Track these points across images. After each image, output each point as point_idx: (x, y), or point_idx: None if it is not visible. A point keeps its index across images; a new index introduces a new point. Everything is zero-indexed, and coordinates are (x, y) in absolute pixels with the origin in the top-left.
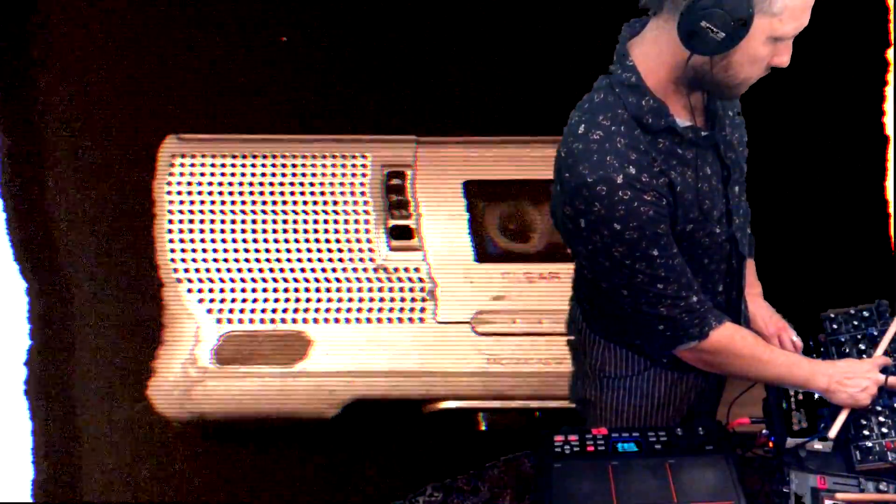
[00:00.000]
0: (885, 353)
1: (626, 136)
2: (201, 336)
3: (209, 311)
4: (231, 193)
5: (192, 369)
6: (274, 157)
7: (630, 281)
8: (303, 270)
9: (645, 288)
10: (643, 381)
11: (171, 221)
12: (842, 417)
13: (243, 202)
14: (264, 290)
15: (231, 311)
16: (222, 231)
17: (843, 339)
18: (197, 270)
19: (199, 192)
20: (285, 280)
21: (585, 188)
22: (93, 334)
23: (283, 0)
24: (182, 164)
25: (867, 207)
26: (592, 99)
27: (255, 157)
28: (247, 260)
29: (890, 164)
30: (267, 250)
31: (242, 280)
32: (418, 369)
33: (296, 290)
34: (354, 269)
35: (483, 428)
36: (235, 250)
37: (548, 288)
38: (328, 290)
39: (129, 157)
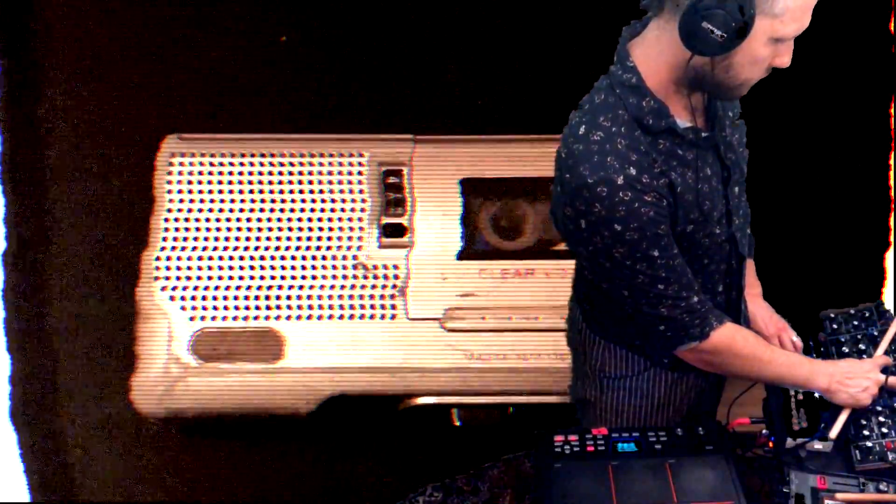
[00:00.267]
0: (886, 353)
1: (626, 137)
2: (175, 333)
3: (182, 308)
4: (231, 192)
5: (173, 366)
6: (272, 155)
7: (631, 282)
8: (293, 268)
9: (645, 288)
10: (643, 382)
11: (167, 220)
12: (843, 418)
13: (242, 200)
14: (248, 287)
15: (215, 308)
16: (217, 230)
17: (843, 339)
18: (189, 269)
19: (199, 192)
20: (272, 278)
21: (586, 189)
22: (78, 333)
23: (281, 0)
24: (181, 164)
25: (867, 207)
26: (593, 100)
27: (253, 155)
28: (241, 258)
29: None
30: (266, 248)
31: (230, 278)
32: (396, 365)
33: (279, 287)
34: (344, 267)
35: (457, 424)
36: (236, 248)
37: (536, 284)
38: (311, 287)
39: (130, 156)
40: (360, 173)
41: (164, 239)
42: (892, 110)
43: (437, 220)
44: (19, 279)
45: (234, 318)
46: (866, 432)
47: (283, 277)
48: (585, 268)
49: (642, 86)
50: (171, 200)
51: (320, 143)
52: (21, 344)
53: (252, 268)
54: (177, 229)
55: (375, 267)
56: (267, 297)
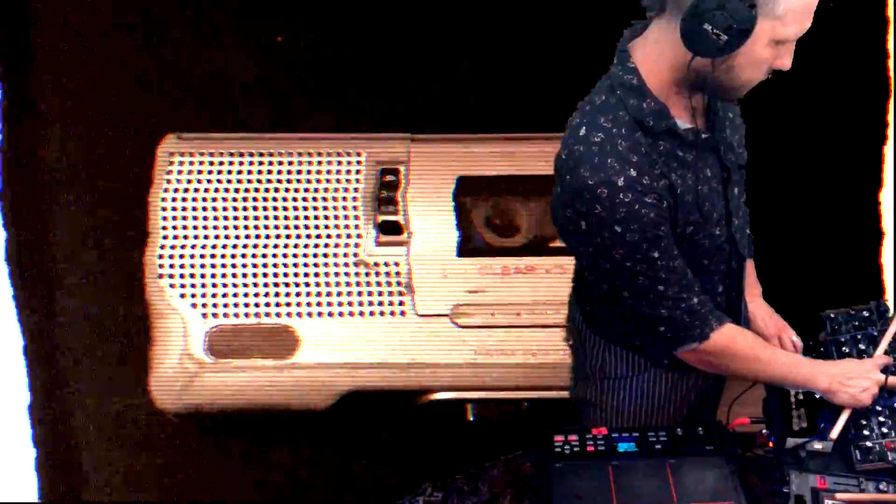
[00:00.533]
0: (886, 353)
1: (627, 139)
2: (189, 331)
3: (193, 305)
4: (227, 191)
5: (189, 363)
6: (270, 154)
7: (631, 283)
8: (295, 265)
9: (646, 289)
10: (643, 382)
11: (164, 219)
12: (843, 418)
13: (243, 199)
14: (255, 284)
15: (225, 305)
16: (215, 227)
17: (843, 339)
18: (192, 266)
19: (196, 190)
20: (275, 275)
21: (586, 191)
22: (87, 332)
23: (279, 0)
24: (181, 163)
25: (867, 207)
26: (594, 100)
27: (252, 155)
28: (244, 255)
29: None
30: (265, 246)
31: (233, 276)
32: (408, 361)
33: (286, 284)
34: (346, 265)
35: (471, 419)
36: (234, 246)
37: (537, 280)
38: (318, 284)
39: (129, 156)
40: (357, 172)
41: (166, 237)
42: (890, 106)
43: (434, 217)
44: (26, 280)
45: (247, 315)
46: (866, 432)
47: (286, 275)
48: (586, 269)
49: (643, 87)
50: (173, 199)
51: (317, 142)
52: (33, 346)
53: (255, 266)
54: (175, 227)
55: (377, 264)
56: (277, 295)
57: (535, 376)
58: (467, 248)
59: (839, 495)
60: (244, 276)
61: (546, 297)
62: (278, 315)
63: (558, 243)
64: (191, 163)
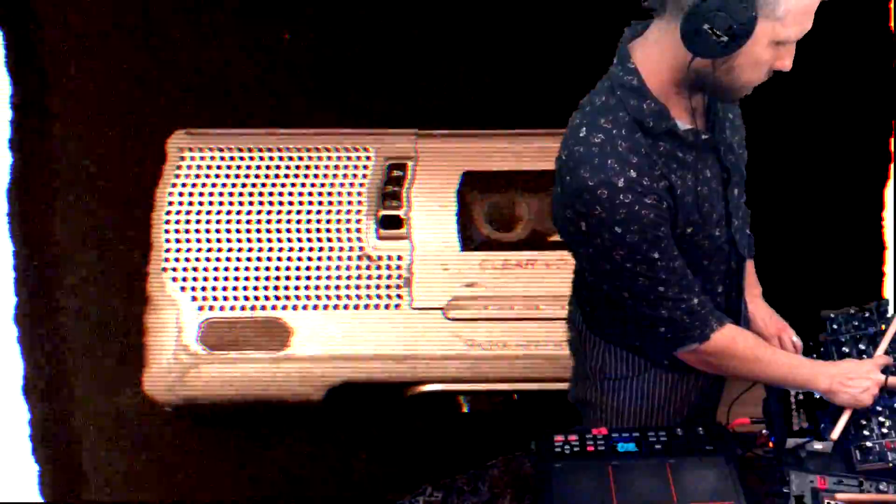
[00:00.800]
0: (886, 353)
1: (627, 140)
2: (185, 323)
3: (193, 298)
4: (235, 186)
5: (183, 355)
6: (279, 150)
7: (631, 283)
8: (299, 259)
9: (646, 290)
10: (643, 383)
11: (168, 213)
12: (844, 418)
13: (250, 194)
14: (257, 277)
15: (224, 298)
16: (228, 222)
17: (843, 339)
18: (195, 259)
19: (204, 185)
20: (277, 269)
21: (586, 192)
22: (87, 332)
23: None
24: (191, 158)
25: (867, 207)
26: (594, 101)
27: (259, 150)
28: (250, 250)
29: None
30: (270, 240)
31: (236, 269)
32: (401, 353)
33: (287, 277)
34: (349, 258)
35: (465, 410)
36: (238, 240)
37: (537, 274)
38: (317, 277)
39: (139, 151)
40: (365, 167)
41: (174, 231)
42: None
43: (437, 212)
44: (29, 275)
45: (242, 308)
46: (866, 432)
47: (288, 268)
48: (586, 269)
49: (643, 87)
50: (180, 194)
51: (325, 137)
52: (31, 341)
53: (259, 259)
54: (179, 222)
55: (380, 258)
56: (275, 288)
57: (527, 368)
58: (469, 242)
59: (839, 495)
60: (247, 269)
61: (542, 290)
62: (274, 308)
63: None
64: (199, 157)
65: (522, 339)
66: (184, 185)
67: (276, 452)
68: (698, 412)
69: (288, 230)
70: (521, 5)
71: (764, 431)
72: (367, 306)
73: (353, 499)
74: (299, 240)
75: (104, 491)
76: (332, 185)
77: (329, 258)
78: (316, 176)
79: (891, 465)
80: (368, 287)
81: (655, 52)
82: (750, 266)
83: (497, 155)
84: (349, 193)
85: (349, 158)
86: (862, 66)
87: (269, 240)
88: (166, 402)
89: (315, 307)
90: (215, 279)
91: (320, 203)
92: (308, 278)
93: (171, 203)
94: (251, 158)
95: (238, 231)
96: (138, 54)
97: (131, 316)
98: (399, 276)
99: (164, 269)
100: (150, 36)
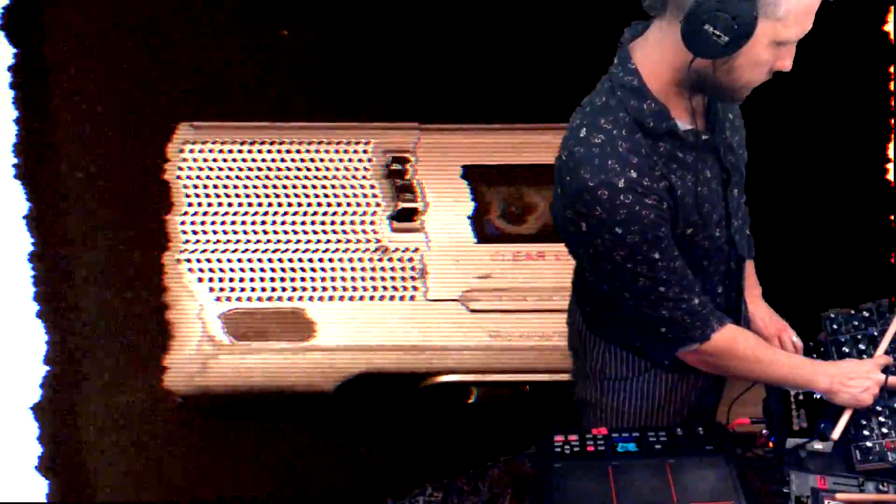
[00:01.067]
0: (886, 353)
1: (627, 140)
2: (205, 315)
3: (211, 290)
4: (238, 178)
5: (207, 345)
6: (281, 143)
7: (632, 284)
8: (307, 251)
9: (646, 291)
10: (644, 383)
11: (181, 206)
12: (844, 418)
13: (255, 186)
14: (272, 269)
15: (240, 289)
16: (235, 213)
17: (843, 339)
18: (204, 251)
19: (209, 178)
20: (290, 261)
21: (587, 192)
22: (103, 320)
23: None
24: (193, 151)
25: (867, 207)
26: (594, 101)
27: (263, 143)
28: (258, 241)
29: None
30: (275, 232)
31: (249, 261)
32: (418, 344)
33: (302, 269)
34: (356, 251)
35: (472, 401)
36: (245, 232)
37: (548, 266)
38: (331, 269)
39: (144, 145)
40: (368, 160)
41: (184, 223)
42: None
43: (446, 205)
44: (45, 270)
45: (259, 300)
46: (866, 432)
47: (300, 260)
48: (586, 270)
49: (643, 88)
50: (185, 187)
51: (327, 131)
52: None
53: (267, 250)
54: (193, 213)
55: (397, 250)
56: (292, 280)
57: (539, 359)
58: (479, 234)
59: (839, 495)
60: (259, 261)
61: (554, 282)
62: (290, 300)
63: None
64: (203, 150)
65: (537, 330)
66: (187, 177)
67: (284, 444)
68: (698, 412)
69: (292, 222)
70: (522, 0)
71: (764, 431)
72: (381, 297)
73: (360, 490)
74: (315, 232)
75: (112, 488)
76: (334, 177)
77: (345, 250)
78: (319, 169)
79: (890, 465)
80: (394, 279)
81: (656, 53)
82: (750, 266)
83: (499, 149)
84: (351, 186)
85: (350, 151)
86: (862, 66)
87: (286, 232)
88: (186, 391)
89: (331, 298)
90: (231, 270)
91: (328, 196)
92: (324, 270)
93: (187, 196)
94: (254, 151)
95: (253, 223)
96: (134, 56)
97: (143, 314)
98: (414, 269)
99: (179, 261)
100: (150, 36)
